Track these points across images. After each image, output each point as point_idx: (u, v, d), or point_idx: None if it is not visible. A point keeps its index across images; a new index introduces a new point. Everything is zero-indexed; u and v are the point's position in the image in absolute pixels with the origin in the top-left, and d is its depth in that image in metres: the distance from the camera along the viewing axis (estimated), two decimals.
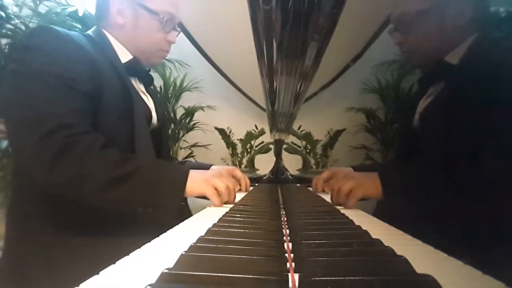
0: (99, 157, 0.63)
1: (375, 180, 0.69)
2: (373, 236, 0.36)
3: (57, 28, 0.68)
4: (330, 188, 0.74)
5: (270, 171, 1.39)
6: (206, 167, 1.04)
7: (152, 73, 2.13)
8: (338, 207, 0.65)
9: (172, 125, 2.24)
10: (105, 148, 0.64)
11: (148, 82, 0.89)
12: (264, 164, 2.04)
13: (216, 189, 0.67)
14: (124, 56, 0.80)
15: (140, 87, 0.84)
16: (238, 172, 0.96)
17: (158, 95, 2.19)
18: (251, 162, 2.22)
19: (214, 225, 0.42)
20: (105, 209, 0.65)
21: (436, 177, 0.66)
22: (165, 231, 0.42)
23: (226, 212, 0.53)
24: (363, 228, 0.41)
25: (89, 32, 0.80)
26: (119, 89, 0.72)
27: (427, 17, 0.76)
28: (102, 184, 0.61)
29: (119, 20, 0.79)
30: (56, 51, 0.65)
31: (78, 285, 0.23)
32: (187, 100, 2.30)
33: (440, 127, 0.71)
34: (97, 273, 0.26)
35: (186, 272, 0.24)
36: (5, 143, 1.43)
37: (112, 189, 0.62)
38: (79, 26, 1.60)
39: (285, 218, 0.50)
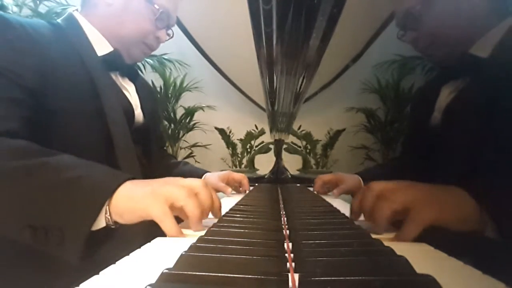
0: None
1: (454, 195, 0.44)
2: (373, 236, 0.36)
3: (8, 16, 0.62)
4: (360, 204, 0.48)
5: (270, 171, 1.39)
6: (198, 174, 0.97)
7: (152, 73, 2.11)
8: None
9: (172, 125, 2.24)
10: (8, 138, 0.50)
11: (132, 76, 0.82)
12: (264, 164, 2.04)
13: (173, 205, 0.42)
14: (102, 47, 0.73)
15: (122, 82, 0.79)
16: (235, 175, 0.94)
17: (158, 95, 2.20)
18: (251, 162, 2.23)
19: (214, 225, 0.42)
20: None
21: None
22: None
23: (226, 212, 0.53)
24: (363, 228, 0.41)
25: (60, 20, 0.73)
26: (83, 86, 0.65)
27: (438, 4, 0.66)
28: None
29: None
30: None
31: (78, 285, 0.23)
32: (187, 100, 2.31)
33: (469, 126, 0.62)
34: (97, 273, 0.26)
35: (186, 272, 0.24)
36: None
37: None
38: None
39: (285, 218, 0.50)
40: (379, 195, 0.44)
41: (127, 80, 0.81)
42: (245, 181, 0.96)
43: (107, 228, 0.44)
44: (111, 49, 0.74)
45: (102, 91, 0.67)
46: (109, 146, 0.66)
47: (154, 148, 0.87)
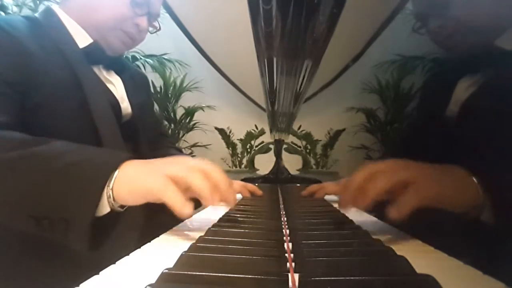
0: None
1: (455, 175, 0.42)
2: (374, 236, 0.36)
3: None
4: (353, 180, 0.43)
5: (270, 171, 1.39)
6: None
7: (152, 73, 2.08)
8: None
9: (172, 125, 2.24)
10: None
11: (119, 69, 0.78)
12: (264, 164, 2.04)
13: (177, 183, 0.39)
14: (83, 39, 0.71)
15: (106, 75, 0.76)
16: (234, 184, 0.74)
17: (158, 95, 2.20)
18: (251, 162, 2.23)
19: (214, 225, 0.42)
20: None
21: None
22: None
23: (226, 212, 0.53)
24: (363, 228, 0.41)
25: (37, 14, 0.71)
26: (66, 80, 0.64)
27: None
28: None
29: None
30: None
31: (78, 285, 0.23)
32: (187, 100, 2.31)
33: (488, 121, 0.59)
34: (97, 273, 0.26)
35: (186, 272, 0.24)
36: None
37: None
38: None
39: (285, 218, 0.50)
40: (377, 172, 0.41)
41: (113, 73, 0.78)
42: (245, 191, 0.78)
43: (114, 215, 0.42)
44: (90, 40, 0.72)
45: (85, 85, 0.66)
46: (97, 142, 0.64)
47: (146, 143, 0.84)
